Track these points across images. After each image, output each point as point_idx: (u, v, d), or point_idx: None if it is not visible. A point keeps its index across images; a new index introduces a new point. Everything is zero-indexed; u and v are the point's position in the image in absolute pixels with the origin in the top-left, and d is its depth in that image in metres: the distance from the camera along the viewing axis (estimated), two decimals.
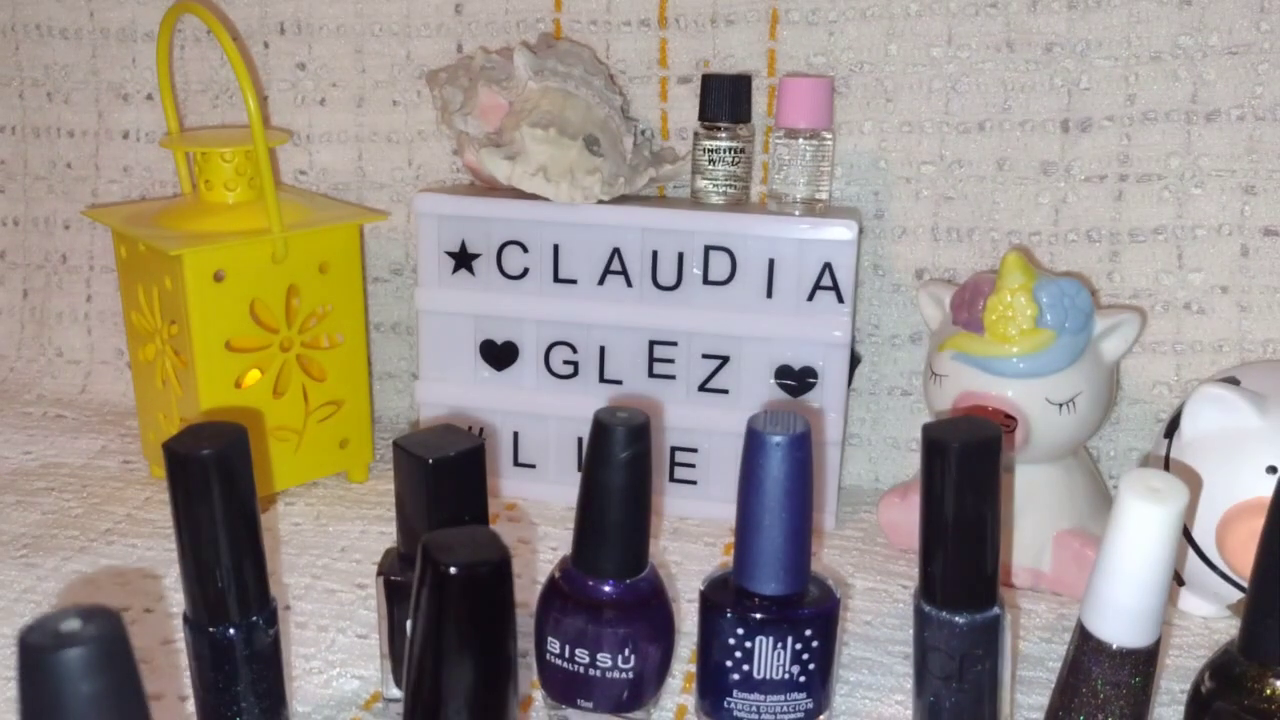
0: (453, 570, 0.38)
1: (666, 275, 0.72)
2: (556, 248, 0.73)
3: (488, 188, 0.77)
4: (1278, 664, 0.44)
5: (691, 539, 0.72)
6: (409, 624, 0.40)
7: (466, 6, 0.80)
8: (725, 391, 0.73)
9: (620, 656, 0.51)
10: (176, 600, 0.63)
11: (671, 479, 0.75)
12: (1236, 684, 0.45)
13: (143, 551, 0.68)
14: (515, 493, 0.77)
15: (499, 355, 0.75)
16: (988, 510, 0.47)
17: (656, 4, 0.77)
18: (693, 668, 0.56)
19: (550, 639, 0.52)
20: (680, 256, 0.71)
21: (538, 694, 0.54)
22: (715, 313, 0.72)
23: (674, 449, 0.75)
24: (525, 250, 0.73)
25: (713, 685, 0.51)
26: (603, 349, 0.74)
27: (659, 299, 0.72)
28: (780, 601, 0.50)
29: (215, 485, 0.44)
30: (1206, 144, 0.71)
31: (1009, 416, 0.64)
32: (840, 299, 0.70)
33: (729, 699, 0.51)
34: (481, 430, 0.77)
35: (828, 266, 0.70)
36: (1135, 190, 0.73)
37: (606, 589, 0.51)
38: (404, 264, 0.86)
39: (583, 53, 0.76)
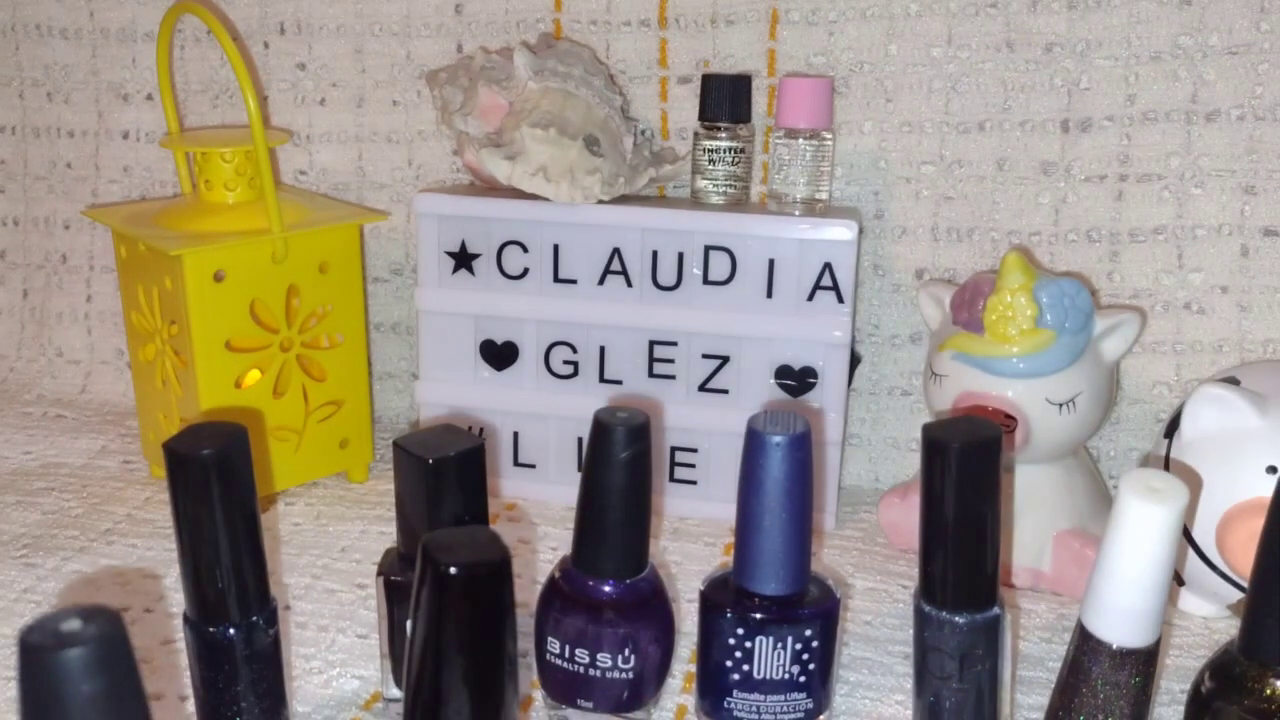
0: (453, 570, 0.38)
1: (666, 275, 0.72)
2: (556, 248, 0.73)
3: (488, 188, 0.77)
4: (1278, 664, 0.44)
5: (691, 539, 0.72)
6: (409, 624, 0.40)
7: (466, 6, 0.80)
8: (725, 391, 0.73)
9: (620, 656, 0.51)
10: (176, 600, 0.63)
11: (671, 479, 0.75)
12: (1236, 684, 0.45)
13: (143, 551, 0.68)
14: (515, 493, 0.77)
15: (499, 355, 0.75)
16: (988, 510, 0.47)
17: (656, 4, 0.77)
18: (693, 668, 0.56)
19: (550, 639, 0.52)
20: (680, 256, 0.72)
21: (538, 694, 0.54)
22: (715, 313, 0.72)
23: (674, 449, 0.75)
24: (525, 250, 0.73)
25: (713, 685, 0.51)
26: (603, 349, 0.74)
27: (659, 299, 0.72)
28: (780, 601, 0.50)
29: (215, 485, 0.44)
30: (1206, 144, 0.71)
31: (1009, 416, 0.64)
32: (840, 299, 0.70)
33: (729, 699, 0.51)
34: (481, 430, 0.77)
35: (828, 266, 0.70)
36: (1135, 190, 0.73)
37: (606, 589, 0.51)
38: (404, 264, 0.86)
39: (583, 53, 0.76)
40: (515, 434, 0.77)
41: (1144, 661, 0.47)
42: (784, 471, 0.48)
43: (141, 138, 0.88)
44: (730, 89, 0.72)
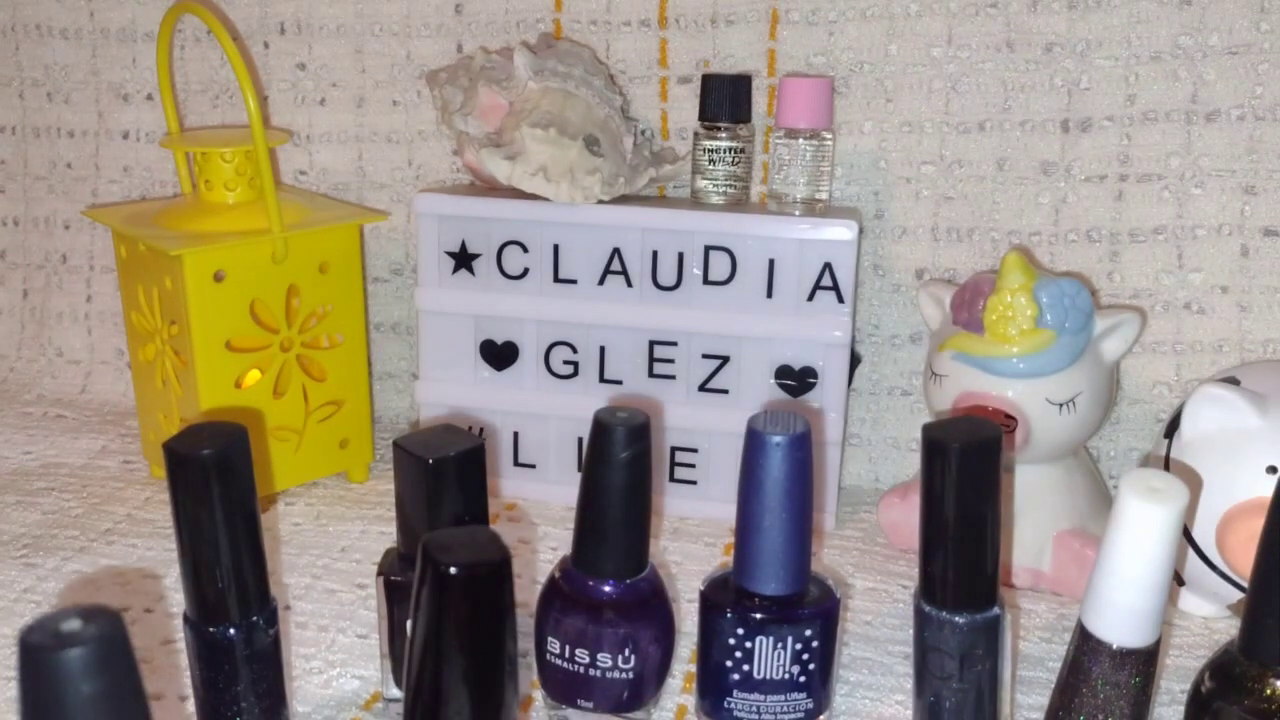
0: (453, 570, 0.38)
1: (666, 275, 0.72)
2: (556, 248, 0.73)
3: (488, 188, 0.77)
4: (1278, 664, 0.44)
5: (691, 539, 0.72)
6: (409, 624, 0.40)
7: (466, 6, 0.80)
8: (725, 391, 0.73)
9: (620, 656, 0.51)
10: (176, 600, 0.63)
11: (671, 479, 0.75)
12: (1236, 684, 0.45)
13: (143, 551, 0.68)
14: (515, 493, 0.77)
15: (499, 355, 0.75)
16: (988, 510, 0.47)
17: (656, 4, 0.77)
18: (693, 668, 0.56)
19: (550, 639, 0.52)
20: (680, 256, 0.71)
21: (538, 694, 0.54)
22: (715, 313, 0.72)
23: (674, 449, 0.75)
24: (525, 250, 0.73)
25: (713, 685, 0.51)
26: (603, 349, 0.74)
27: (659, 299, 0.72)
28: (780, 601, 0.50)
29: (215, 485, 0.44)
30: (1206, 144, 0.71)
31: (1009, 416, 0.64)
32: (840, 299, 0.70)
33: (729, 699, 0.51)
34: (481, 430, 0.77)
35: (828, 266, 0.70)
36: (1135, 190, 0.73)
37: (606, 589, 0.51)
38: (404, 264, 0.86)
39: (583, 53, 0.76)
40: (515, 434, 0.77)
41: (1144, 661, 0.47)
42: (784, 471, 0.48)
43: (141, 138, 0.89)
44: (730, 89, 0.72)
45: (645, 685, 0.52)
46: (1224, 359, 0.73)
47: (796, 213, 0.71)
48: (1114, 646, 0.47)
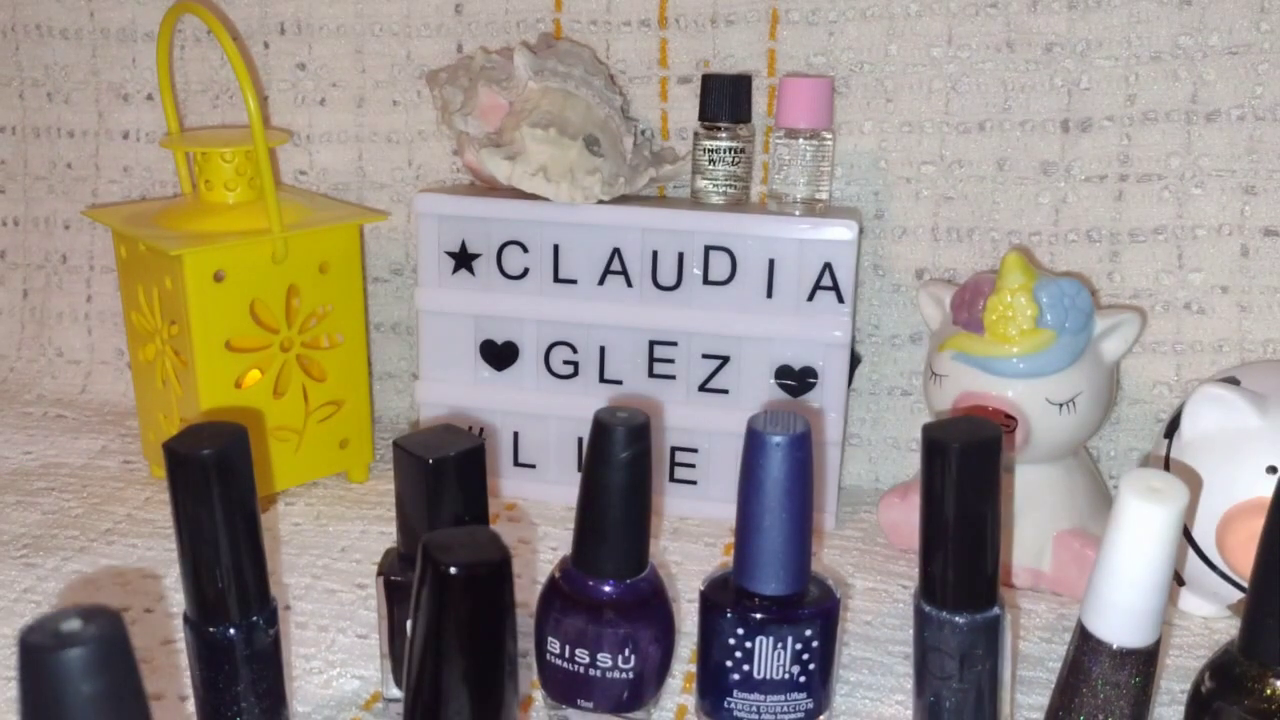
0: (453, 570, 0.38)
1: (666, 275, 0.72)
2: (556, 248, 0.73)
3: (488, 188, 0.77)
4: (1278, 664, 0.44)
5: (691, 539, 0.72)
6: (409, 624, 0.40)
7: (466, 6, 0.80)
8: (725, 391, 0.73)
9: (620, 656, 0.51)
10: (176, 600, 0.63)
11: (671, 479, 0.75)
12: (1236, 684, 0.45)
13: (143, 551, 0.68)
14: (515, 493, 0.77)
15: (499, 355, 0.75)
16: (988, 510, 0.47)
17: (656, 4, 0.77)
18: (693, 668, 0.56)
19: (550, 639, 0.52)
20: (680, 256, 0.71)
21: (538, 694, 0.54)
22: (715, 313, 0.72)
23: (674, 449, 0.75)
24: (525, 250, 0.73)
25: (713, 685, 0.51)
26: (603, 349, 0.74)
27: (659, 299, 0.72)
28: (780, 601, 0.50)
29: (215, 485, 0.44)
30: (1206, 144, 0.71)
31: (1009, 416, 0.64)
32: (840, 299, 0.70)
33: (729, 699, 0.51)
34: (481, 430, 0.77)
35: (828, 266, 0.70)
36: (1135, 190, 0.73)
37: (606, 589, 0.51)
38: (404, 264, 0.86)
39: (583, 53, 0.76)
40: (515, 434, 0.77)
41: (1144, 661, 0.47)
42: (784, 471, 0.48)
43: (141, 138, 0.89)
44: (730, 89, 0.72)
45: (645, 685, 0.52)
46: (1224, 359, 0.73)
47: (796, 213, 0.71)
48: (1114, 646, 0.47)
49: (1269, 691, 0.44)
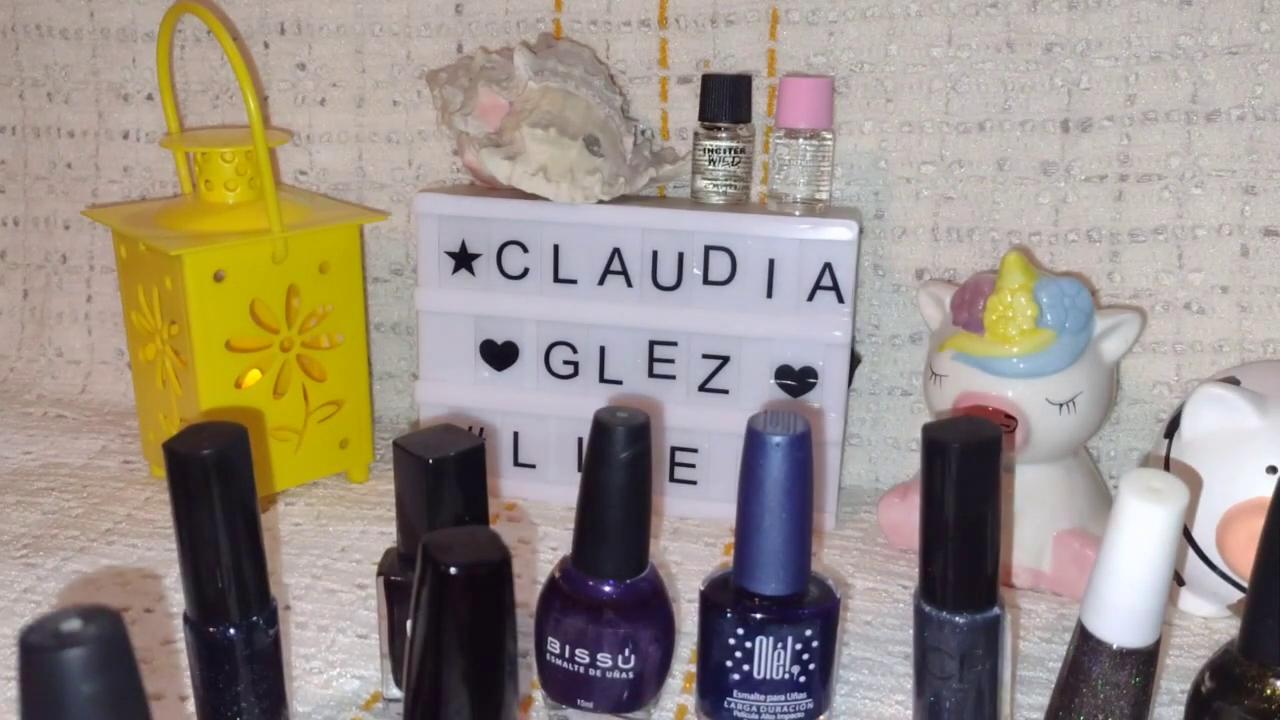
0: (453, 570, 0.38)
1: (666, 275, 0.72)
2: (556, 248, 0.73)
3: (488, 188, 0.77)
4: (1278, 664, 0.44)
5: (691, 539, 0.72)
6: (409, 624, 0.40)
7: (466, 6, 0.80)
8: (725, 391, 0.73)
9: (620, 656, 0.51)
10: (176, 600, 0.63)
11: (671, 479, 0.75)
12: (1236, 684, 0.45)
13: (143, 551, 0.68)
14: (515, 493, 0.77)
15: (499, 355, 0.75)
16: (988, 510, 0.47)
17: (656, 4, 0.77)
18: (693, 668, 0.56)
19: (550, 639, 0.52)
20: (680, 256, 0.71)
21: (538, 694, 0.54)
22: (715, 313, 0.72)
23: (674, 449, 0.75)
24: (525, 250, 0.73)
25: (713, 685, 0.51)
26: (603, 349, 0.74)
27: (659, 299, 0.72)
28: (780, 601, 0.50)
29: (215, 485, 0.44)
30: (1206, 144, 0.71)
31: (1009, 416, 0.64)
32: (840, 299, 0.70)
33: (729, 699, 0.51)
34: (481, 430, 0.77)
35: (828, 266, 0.70)
36: (1135, 190, 0.73)
37: (606, 589, 0.51)
38: (404, 264, 0.86)
39: (583, 53, 0.76)
40: (515, 434, 0.77)
41: (1144, 661, 0.47)
42: (784, 471, 0.48)
43: (141, 138, 0.89)
44: (730, 89, 0.72)
45: (645, 685, 0.52)
46: (1224, 359, 0.73)
47: (796, 213, 0.71)
48: (1114, 646, 0.47)
49: (1269, 691, 0.44)
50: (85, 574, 0.65)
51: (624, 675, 0.51)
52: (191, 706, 0.52)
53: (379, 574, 0.52)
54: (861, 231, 0.73)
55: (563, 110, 0.72)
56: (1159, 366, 0.74)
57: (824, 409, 0.72)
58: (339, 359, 0.76)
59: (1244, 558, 0.56)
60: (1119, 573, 0.46)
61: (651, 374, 0.74)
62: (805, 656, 0.50)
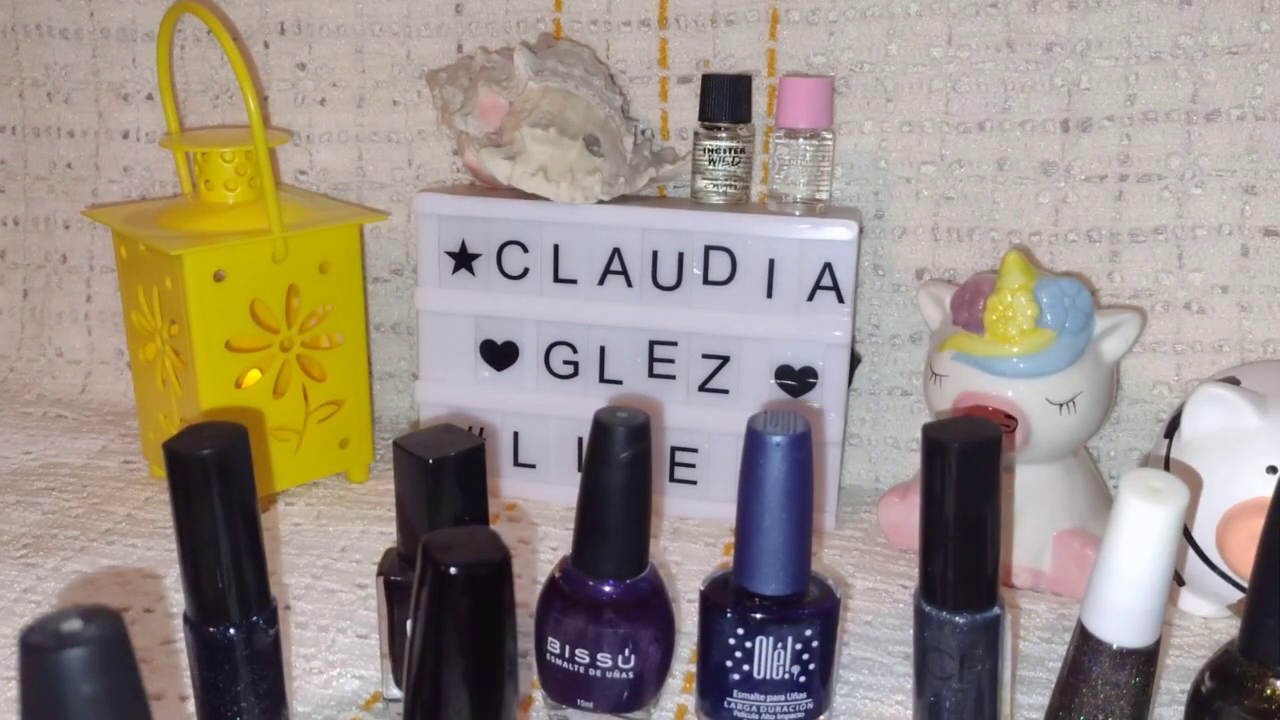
0: (453, 570, 0.38)
1: (666, 275, 0.72)
2: (556, 248, 0.73)
3: (488, 188, 0.77)
4: (1278, 664, 0.44)
5: (691, 539, 0.72)
6: (409, 624, 0.40)
7: (466, 6, 0.80)
8: (725, 391, 0.73)
9: (620, 656, 0.51)
10: (176, 600, 0.63)
11: (671, 479, 0.75)
12: (1236, 684, 0.45)
13: (143, 551, 0.68)
14: (515, 493, 0.77)
15: (499, 355, 0.75)
16: (988, 510, 0.47)
17: (656, 4, 0.77)
18: (693, 668, 0.56)
19: (550, 639, 0.52)
20: (680, 256, 0.72)
21: (538, 694, 0.54)
22: (715, 313, 0.72)
23: (674, 449, 0.75)
24: (525, 250, 0.73)
25: (713, 685, 0.51)
26: (603, 349, 0.74)
27: (659, 299, 0.72)
28: (780, 601, 0.50)
29: (215, 485, 0.44)
30: (1206, 144, 0.71)
31: (1009, 416, 0.64)
32: (840, 299, 0.70)
33: (729, 699, 0.51)
34: (481, 430, 0.77)
35: (828, 266, 0.70)
36: (1135, 190, 0.73)
37: (606, 589, 0.51)
38: (404, 264, 0.86)
39: (583, 53, 0.76)
40: (515, 434, 0.77)
41: (1144, 661, 0.47)
42: (784, 471, 0.48)
43: (141, 138, 0.88)
44: (730, 89, 0.72)
45: (645, 685, 0.52)
46: (1224, 359, 0.73)
47: (796, 213, 0.71)
48: (1114, 646, 0.47)
49: (1269, 691, 0.44)
50: (85, 574, 0.65)
51: (624, 675, 0.51)
52: (191, 706, 0.52)
53: (379, 574, 0.52)
54: (861, 231, 0.73)
55: (563, 110, 0.72)
56: (1159, 366, 0.74)
57: (824, 409, 0.72)
58: (339, 359, 0.76)
59: (1244, 558, 0.56)
60: (1119, 573, 0.46)
61: (651, 374, 0.74)
62: (805, 656, 0.50)
